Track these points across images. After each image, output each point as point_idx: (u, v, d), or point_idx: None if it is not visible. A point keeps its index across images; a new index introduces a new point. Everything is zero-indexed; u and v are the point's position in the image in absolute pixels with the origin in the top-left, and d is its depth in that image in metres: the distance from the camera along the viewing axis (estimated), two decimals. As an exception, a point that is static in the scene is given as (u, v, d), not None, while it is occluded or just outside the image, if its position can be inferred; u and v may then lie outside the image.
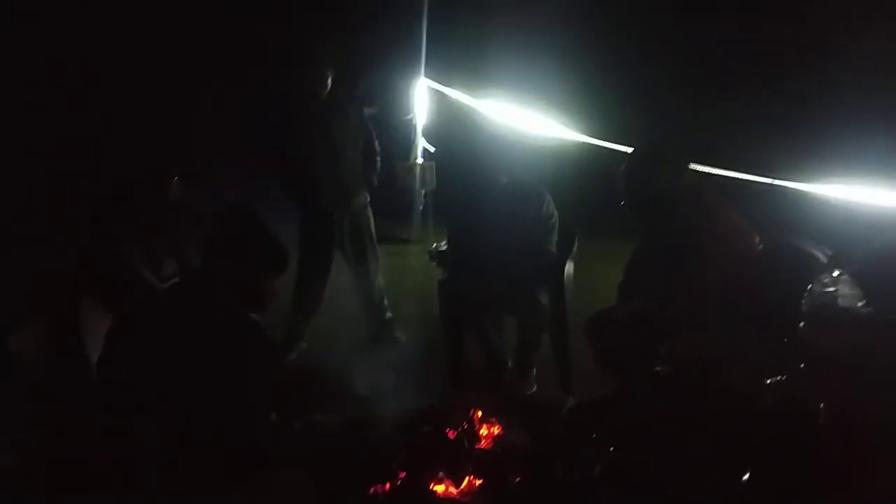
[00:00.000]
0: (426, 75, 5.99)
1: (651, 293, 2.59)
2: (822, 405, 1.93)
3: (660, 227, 2.56)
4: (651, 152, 2.64)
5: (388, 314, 4.18)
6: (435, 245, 4.17)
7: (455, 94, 6.01)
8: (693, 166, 2.63)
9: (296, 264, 3.90)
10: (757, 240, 2.56)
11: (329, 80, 3.71)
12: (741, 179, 3.66)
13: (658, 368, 2.38)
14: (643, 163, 2.60)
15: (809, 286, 2.01)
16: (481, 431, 2.83)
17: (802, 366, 2.03)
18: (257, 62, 5.80)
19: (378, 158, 4.02)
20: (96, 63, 5.66)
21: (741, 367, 2.17)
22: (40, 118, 5.19)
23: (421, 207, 6.51)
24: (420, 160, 6.29)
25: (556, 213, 3.34)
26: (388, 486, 2.54)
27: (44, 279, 2.49)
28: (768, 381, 2.07)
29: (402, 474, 2.57)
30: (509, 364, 3.44)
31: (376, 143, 4.00)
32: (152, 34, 5.96)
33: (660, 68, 6.06)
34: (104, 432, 1.85)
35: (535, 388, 3.39)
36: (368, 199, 4.00)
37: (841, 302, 1.95)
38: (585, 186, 4.60)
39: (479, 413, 2.89)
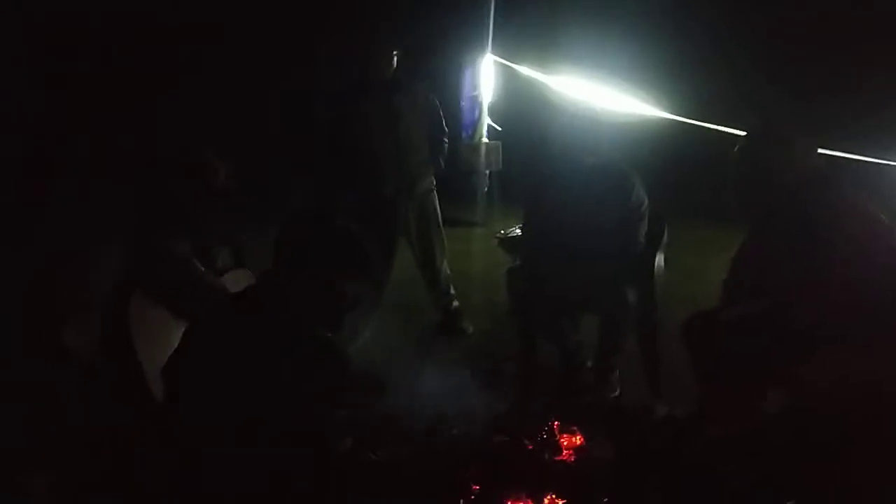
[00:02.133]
0: (493, 51, 5.69)
1: (764, 295, 2.25)
2: None
3: (778, 219, 2.20)
4: (772, 133, 2.27)
5: (455, 303, 3.95)
6: (503, 231, 3.91)
7: (524, 70, 5.68)
8: (820, 150, 2.24)
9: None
10: None
11: (394, 60, 3.46)
12: (877, 164, 3.24)
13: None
14: (761, 145, 2.23)
15: None
16: (562, 442, 2.55)
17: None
18: (318, 44, 5.62)
19: (445, 140, 3.77)
20: (141, 48, 5.59)
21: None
22: (87, 109, 5.15)
23: (486, 189, 6.26)
24: (486, 139, 6.02)
25: (646, 200, 3.00)
26: (461, 501, 2.31)
27: (95, 274, 2.34)
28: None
29: (476, 488, 2.33)
30: (589, 365, 3.15)
31: (443, 124, 3.74)
32: (204, 18, 5.84)
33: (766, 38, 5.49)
34: (155, 442, 1.67)
35: (616, 392, 3.09)
36: (434, 184, 3.76)
37: None
38: (676, 169, 4.24)
39: (559, 421, 2.63)
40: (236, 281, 2.40)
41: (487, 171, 6.15)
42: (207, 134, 3.45)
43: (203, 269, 2.23)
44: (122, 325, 1.93)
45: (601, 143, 3.06)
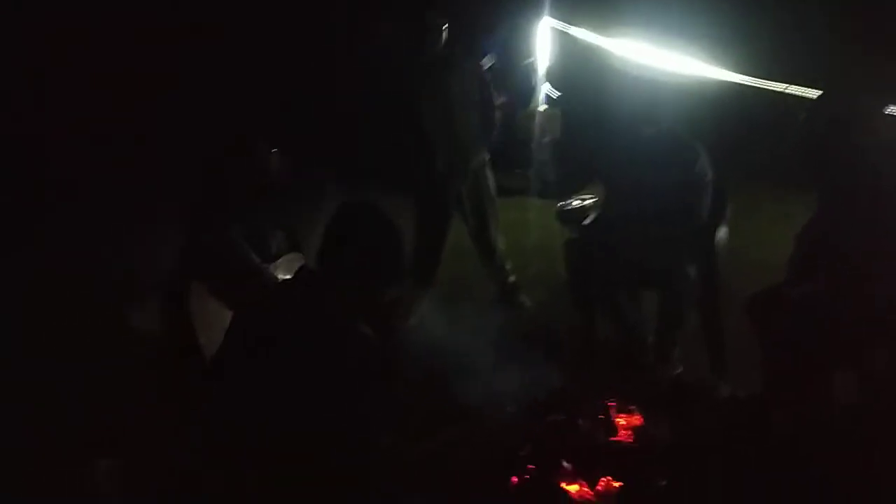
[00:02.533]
0: (550, 14, 5.50)
1: (834, 271, 2.12)
2: None
3: (851, 190, 2.06)
4: (848, 97, 2.11)
5: (512, 278, 3.93)
6: (562, 203, 3.83)
7: (582, 34, 5.48)
8: (897, 114, 2.08)
9: (413, 228, 3.74)
10: None
11: (443, 35, 3.40)
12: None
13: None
14: (837, 109, 2.07)
15: None
16: (619, 421, 2.51)
17: None
18: (364, 19, 5.56)
19: (496, 113, 3.72)
20: (191, 33, 5.65)
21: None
22: (139, 97, 5.26)
23: (542, 158, 6.13)
24: (542, 107, 5.87)
25: (710, 172, 2.87)
26: (514, 479, 2.31)
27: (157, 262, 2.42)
28: None
29: (530, 468, 2.33)
30: (649, 341, 3.07)
31: (493, 97, 3.67)
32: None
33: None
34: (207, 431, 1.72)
35: (678, 370, 3.01)
36: (487, 158, 3.71)
37: None
38: (741, 136, 4.02)
39: (616, 399, 2.58)
40: (289, 265, 2.44)
41: (544, 140, 6.01)
42: (259, 121, 3.49)
43: (254, 255, 2.27)
44: (184, 310, 1.99)
45: (660, 112, 2.95)
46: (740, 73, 4.25)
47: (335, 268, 1.79)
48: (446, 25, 3.45)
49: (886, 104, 2.09)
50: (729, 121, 4.52)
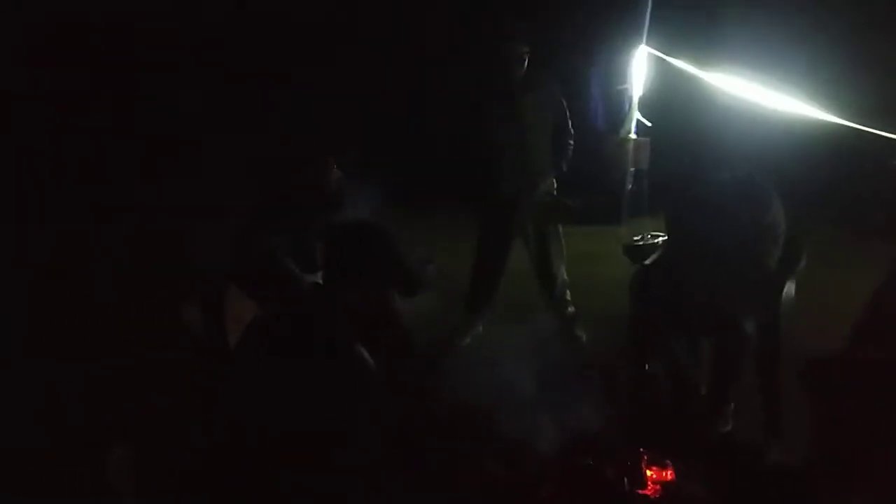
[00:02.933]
0: (648, 43, 5.36)
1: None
2: None
3: None
4: None
5: (571, 309, 3.84)
6: (634, 238, 3.72)
7: (680, 64, 5.30)
8: None
9: (476, 250, 3.74)
10: None
11: (523, 60, 3.38)
12: None
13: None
14: None
15: None
16: (648, 474, 2.40)
17: None
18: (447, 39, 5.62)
19: (571, 142, 3.66)
20: (257, 43, 5.85)
21: None
22: (199, 105, 5.52)
23: (630, 187, 5.96)
24: (633, 135, 5.72)
25: (783, 224, 2.70)
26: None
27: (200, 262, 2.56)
28: None
29: (548, 508, 2.27)
30: (702, 394, 2.92)
31: (570, 126, 3.61)
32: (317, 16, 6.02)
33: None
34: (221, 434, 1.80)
35: (728, 427, 2.83)
36: (556, 186, 3.65)
37: None
38: (835, 184, 3.74)
39: (650, 450, 2.47)
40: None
41: (633, 169, 5.84)
42: (320, 135, 3.60)
43: (292, 266, 2.35)
44: (218, 314, 2.09)
45: (738, 155, 2.80)
46: (840, 116, 3.97)
47: (337, 283, 1.83)
48: (527, 51, 3.43)
49: None
50: (821, 167, 4.22)
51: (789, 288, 2.76)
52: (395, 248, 1.89)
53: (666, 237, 3.27)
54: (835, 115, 4.04)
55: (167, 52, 5.75)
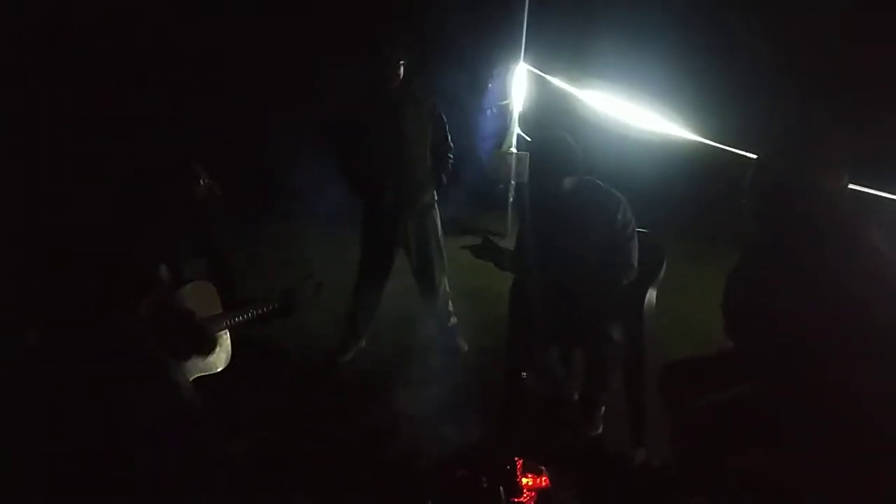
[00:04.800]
0: (526, 61, 5.56)
1: (750, 337, 2.08)
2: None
3: (784, 241, 2.02)
4: (795, 148, 2.07)
5: (453, 320, 3.87)
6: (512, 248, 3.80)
7: (556, 81, 5.54)
8: (845, 181, 2.03)
9: (357, 262, 3.70)
10: None
11: (400, 70, 3.38)
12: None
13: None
14: (799, 162, 2.02)
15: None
16: (524, 481, 2.45)
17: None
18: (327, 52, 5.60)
19: (451, 155, 3.67)
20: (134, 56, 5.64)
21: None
22: (72, 116, 5.24)
23: (512, 199, 6.13)
24: (514, 150, 5.90)
25: (633, 221, 2.82)
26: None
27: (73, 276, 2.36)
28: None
29: (424, 525, 2.26)
30: (574, 400, 3.02)
31: (449, 138, 3.64)
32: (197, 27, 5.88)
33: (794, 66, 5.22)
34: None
35: (599, 431, 2.95)
36: (436, 198, 3.68)
37: None
38: (686, 192, 4.02)
39: (525, 458, 2.52)
40: (196, 291, 2.39)
41: (514, 182, 6.02)
42: (196, 143, 3.44)
43: (166, 276, 2.23)
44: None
45: (576, 164, 2.87)
46: (694, 133, 4.30)
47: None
48: (403, 62, 3.43)
49: (826, 163, 2.05)
50: (677, 177, 4.53)
51: (651, 295, 2.90)
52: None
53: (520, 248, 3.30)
54: (694, 132, 4.38)
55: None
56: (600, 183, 2.90)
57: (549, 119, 5.67)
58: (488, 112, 5.98)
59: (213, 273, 2.53)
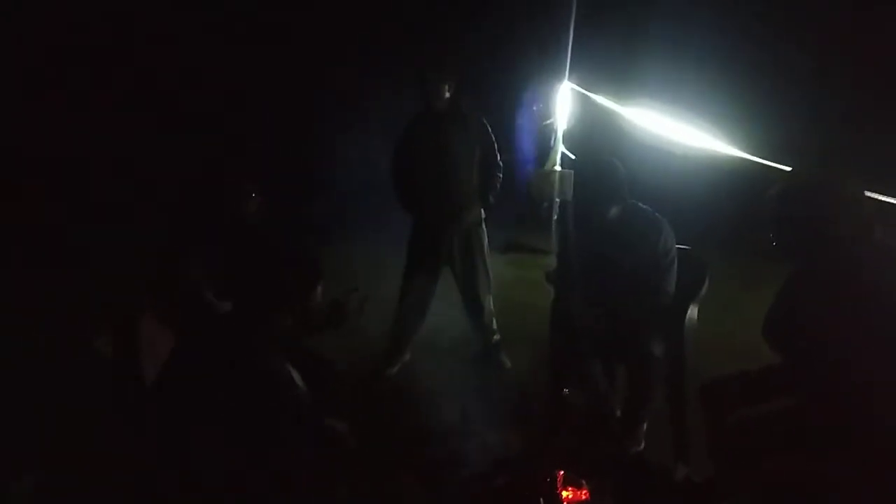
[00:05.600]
0: (570, 79, 5.62)
1: (791, 352, 2.08)
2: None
3: (819, 266, 2.03)
4: (820, 177, 2.08)
5: (496, 337, 3.93)
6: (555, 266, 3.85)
7: (600, 99, 5.58)
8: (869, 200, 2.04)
9: (402, 277, 3.79)
10: None
11: (447, 91, 3.50)
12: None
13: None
14: (808, 186, 2.05)
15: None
16: (564, 494, 2.48)
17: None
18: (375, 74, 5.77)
19: (499, 174, 3.74)
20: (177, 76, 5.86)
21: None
22: (117, 132, 5.48)
23: (556, 217, 6.17)
24: (559, 168, 5.95)
25: (674, 249, 2.86)
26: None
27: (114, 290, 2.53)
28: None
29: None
30: (616, 416, 3.03)
31: (497, 157, 3.72)
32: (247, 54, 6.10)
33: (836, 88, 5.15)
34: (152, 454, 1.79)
35: (640, 447, 2.95)
36: (484, 216, 3.75)
37: None
38: (731, 208, 3.99)
39: (566, 470, 2.55)
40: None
41: (558, 200, 6.06)
42: (243, 164, 3.60)
43: (211, 297, 2.36)
44: (133, 343, 2.07)
45: (622, 192, 2.91)
46: (744, 151, 4.27)
47: (256, 304, 1.86)
48: (451, 81, 3.53)
49: (854, 188, 2.06)
50: (724, 195, 4.51)
51: (692, 312, 2.91)
52: (311, 277, 1.94)
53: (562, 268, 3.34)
54: (739, 148, 4.36)
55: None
56: (645, 208, 2.93)
57: (593, 137, 5.72)
58: (534, 131, 6.04)
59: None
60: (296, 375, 1.85)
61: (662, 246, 2.82)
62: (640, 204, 2.93)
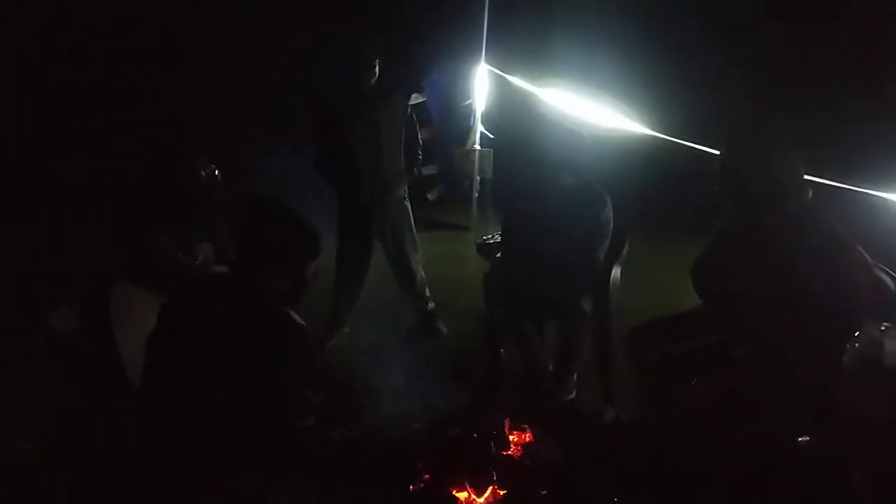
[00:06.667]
0: (487, 61, 5.86)
1: (717, 298, 2.40)
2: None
3: (753, 227, 2.32)
4: (771, 140, 2.32)
5: (431, 304, 4.13)
6: (484, 237, 4.09)
7: (516, 80, 5.85)
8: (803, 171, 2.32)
9: (336, 253, 3.91)
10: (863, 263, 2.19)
11: (375, 70, 3.63)
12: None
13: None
14: (764, 148, 2.25)
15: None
16: (511, 438, 2.74)
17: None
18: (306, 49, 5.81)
19: (420, 151, 3.95)
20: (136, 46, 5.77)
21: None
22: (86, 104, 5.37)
23: (476, 195, 6.42)
24: (478, 147, 6.19)
25: (611, 220, 3.17)
26: (410, 487, 2.50)
27: (82, 261, 2.54)
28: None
29: (426, 476, 2.52)
30: (549, 369, 3.32)
31: (419, 136, 3.92)
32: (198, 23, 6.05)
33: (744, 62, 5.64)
34: (133, 422, 1.86)
35: (573, 395, 3.27)
36: (408, 191, 3.94)
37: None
38: (648, 184, 4.37)
39: (511, 418, 2.81)
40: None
41: (478, 178, 6.30)
42: (196, 136, 3.61)
43: (185, 260, 2.44)
44: (103, 310, 2.12)
45: (581, 160, 3.20)
46: (651, 128, 4.67)
47: (255, 258, 1.97)
48: (378, 61, 3.65)
49: (785, 149, 2.31)
50: (636, 171, 4.90)
51: (616, 272, 3.24)
52: (289, 213, 2.03)
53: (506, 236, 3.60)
54: (651, 127, 4.75)
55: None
56: (591, 180, 3.20)
57: (510, 118, 6.00)
58: (451, 111, 6.24)
59: (220, 258, 2.74)
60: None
61: (605, 216, 3.12)
62: (586, 176, 3.20)
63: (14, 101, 5.30)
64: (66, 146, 5.25)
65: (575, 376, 3.29)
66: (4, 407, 2.66)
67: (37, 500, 1.81)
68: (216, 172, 2.65)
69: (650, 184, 5.19)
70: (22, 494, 1.81)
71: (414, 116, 3.87)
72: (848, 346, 1.99)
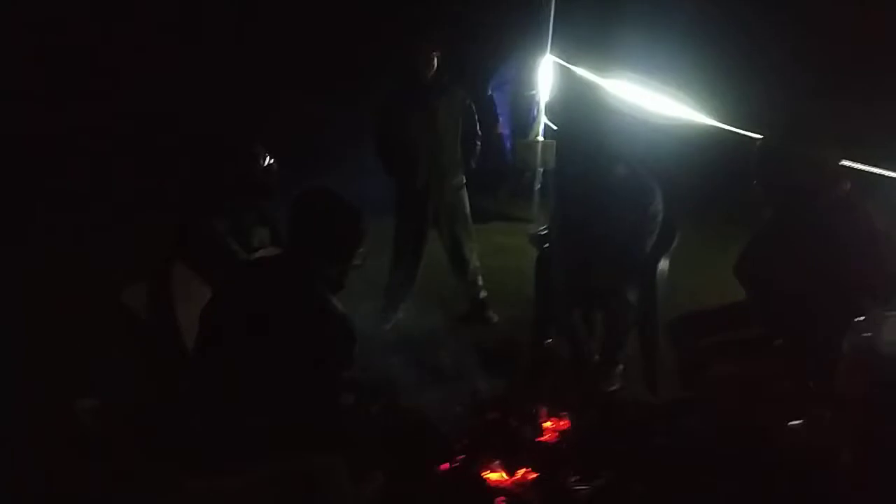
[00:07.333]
0: (552, 52, 5.84)
1: (760, 287, 2.38)
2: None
3: (789, 216, 2.31)
4: (797, 131, 2.34)
5: (483, 293, 4.20)
6: (538, 228, 4.12)
7: (581, 71, 5.81)
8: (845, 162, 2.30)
9: (392, 240, 4.04)
10: None
11: (434, 62, 3.72)
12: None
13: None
14: (795, 142, 2.29)
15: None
16: (546, 424, 2.79)
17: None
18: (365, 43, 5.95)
19: (478, 142, 4.01)
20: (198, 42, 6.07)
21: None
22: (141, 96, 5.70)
23: (539, 186, 6.42)
24: (541, 138, 6.19)
25: (661, 212, 3.15)
26: (445, 466, 2.60)
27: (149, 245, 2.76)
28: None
29: (460, 456, 2.61)
30: (595, 358, 3.34)
31: (477, 127, 3.98)
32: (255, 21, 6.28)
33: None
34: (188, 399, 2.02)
35: (616, 386, 3.27)
36: (464, 181, 4.01)
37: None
38: (707, 176, 4.26)
39: (548, 406, 2.86)
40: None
41: (541, 169, 6.30)
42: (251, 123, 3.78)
43: (237, 246, 2.61)
44: (166, 289, 2.31)
45: (634, 153, 3.20)
46: (718, 120, 4.55)
47: (306, 247, 2.07)
48: (437, 53, 3.75)
49: (827, 146, 2.30)
50: (695, 162, 4.80)
51: (664, 264, 3.22)
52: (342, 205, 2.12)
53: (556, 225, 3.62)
54: (715, 118, 4.63)
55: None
56: (642, 172, 3.18)
57: (574, 108, 5.96)
58: (515, 102, 6.26)
59: (275, 241, 2.90)
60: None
61: (653, 209, 3.11)
62: (638, 168, 3.20)
63: (77, 95, 5.66)
64: (130, 135, 5.61)
65: (620, 367, 3.28)
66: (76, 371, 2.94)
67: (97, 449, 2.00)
68: (272, 160, 2.80)
69: (709, 176, 5.06)
70: (88, 447, 2.01)
71: (473, 108, 3.94)
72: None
